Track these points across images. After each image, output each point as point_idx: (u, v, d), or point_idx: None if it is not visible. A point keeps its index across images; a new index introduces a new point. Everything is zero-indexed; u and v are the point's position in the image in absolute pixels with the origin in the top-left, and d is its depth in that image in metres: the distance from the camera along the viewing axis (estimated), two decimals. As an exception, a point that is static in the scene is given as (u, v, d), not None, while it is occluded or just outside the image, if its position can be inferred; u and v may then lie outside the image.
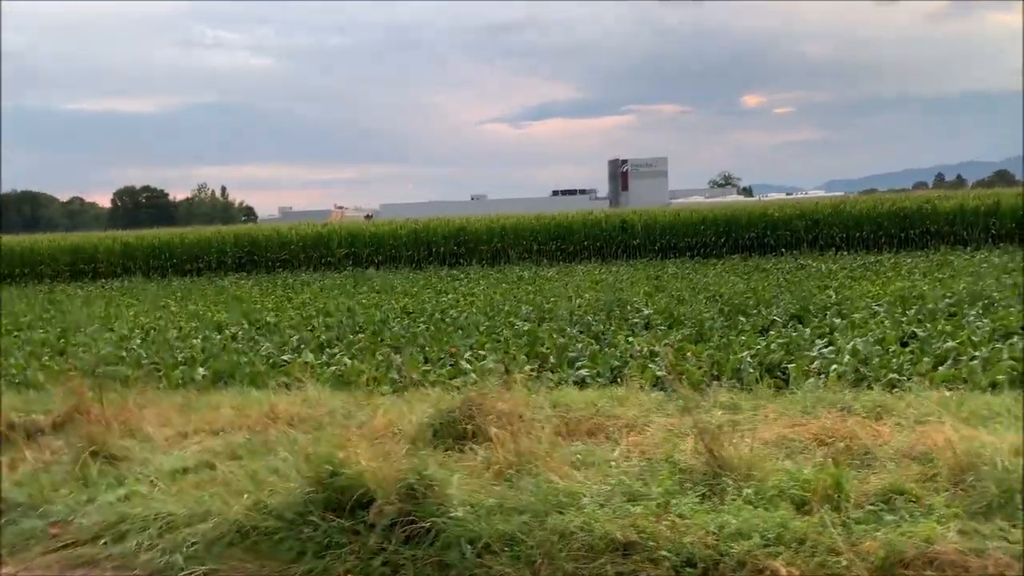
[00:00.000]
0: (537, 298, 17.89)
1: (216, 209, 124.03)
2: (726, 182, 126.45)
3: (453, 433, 5.74)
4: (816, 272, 21.87)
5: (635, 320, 13.84)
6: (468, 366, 9.83)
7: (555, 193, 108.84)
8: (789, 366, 9.61)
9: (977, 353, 9.54)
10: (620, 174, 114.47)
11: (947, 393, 7.78)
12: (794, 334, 11.71)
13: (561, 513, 4.20)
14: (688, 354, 10.43)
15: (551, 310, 15.46)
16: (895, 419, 6.54)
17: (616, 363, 10.09)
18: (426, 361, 10.76)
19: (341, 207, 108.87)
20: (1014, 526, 4.24)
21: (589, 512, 4.21)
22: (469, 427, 5.65)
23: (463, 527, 4.09)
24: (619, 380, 9.17)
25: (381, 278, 26.12)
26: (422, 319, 15.00)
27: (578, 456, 5.38)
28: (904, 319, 12.57)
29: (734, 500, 4.47)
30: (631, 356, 10.38)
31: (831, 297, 15.69)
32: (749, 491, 4.54)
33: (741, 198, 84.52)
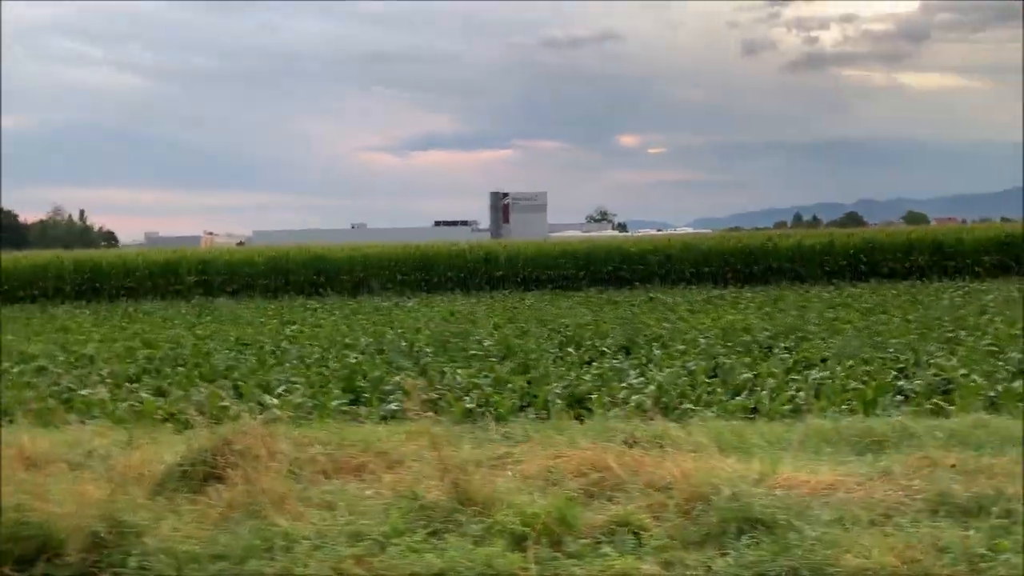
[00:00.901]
0: (383, 329, 17.61)
1: (73, 233, 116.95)
2: (602, 217, 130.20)
3: (202, 474, 5.41)
4: (662, 305, 22.62)
5: (474, 352, 13.81)
6: (274, 400, 9.44)
7: (437, 224, 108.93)
8: (607, 398, 9.76)
9: (769, 383, 10.01)
10: (502, 207, 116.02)
11: (734, 422, 8.11)
12: (617, 364, 11.98)
13: (267, 558, 3.98)
14: (508, 385, 10.46)
15: (391, 341, 15.24)
16: (669, 449, 6.71)
17: (435, 395, 9.96)
18: (240, 396, 10.29)
19: (211, 233, 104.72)
20: (723, 555, 4.34)
21: (297, 556, 4.01)
22: (217, 468, 5.35)
23: (153, 577, 3.80)
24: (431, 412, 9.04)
25: (231, 308, 25.10)
26: (251, 351, 14.43)
27: (328, 495, 5.17)
28: (723, 350, 13.09)
29: (462, 537, 4.38)
30: (448, 389, 10.29)
31: (665, 329, 16.20)
32: (478, 528, 4.46)
33: (615, 233, 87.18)
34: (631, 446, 6.29)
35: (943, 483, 5.30)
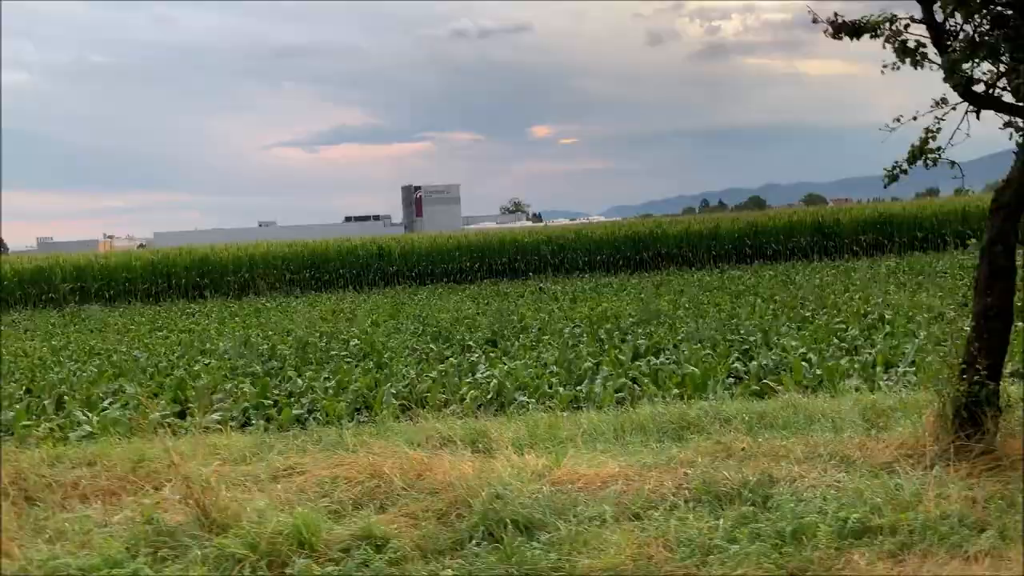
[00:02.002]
0: (251, 333, 16.98)
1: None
2: (516, 208, 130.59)
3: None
4: (551, 295, 22.62)
5: (335, 352, 13.42)
6: (88, 416, 8.86)
7: (348, 219, 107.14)
8: (442, 394, 9.55)
9: (604, 371, 10.01)
10: (415, 200, 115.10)
11: (558, 414, 8.02)
12: (474, 359, 11.81)
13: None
14: (351, 387, 10.14)
15: (252, 345, 14.68)
16: (470, 449, 6.55)
17: (268, 404, 9.56)
18: (59, 410, 9.65)
19: (111, 236, 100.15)
20: (461, 563, 4.17)
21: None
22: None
23: None
24: (250, 423, 8.66)
25: (103, 316, 23.87)
26: (97, 361, 13.65)
27: (67, 523, 4.77)
28: (584, 340, 13.08)
29: (184, 566, 4.07)
30: (286, 395, 9.91)
31: (539, 319, 16.12)
32: (207, 552, 4.16)
33: (530, 223, 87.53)
34: (417, 447, 6.09)
35: (716, 471, 5.29)
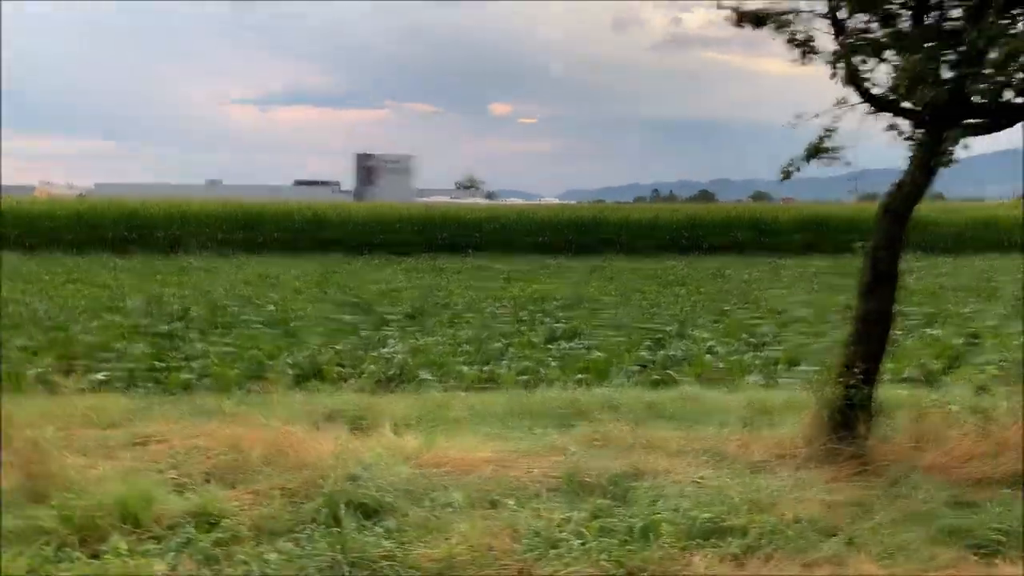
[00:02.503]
0: (166, 291, 16.41)
1: None
2: (471, 184, 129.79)
3: None
4: (486, 273, 22.42)
5: (246, 318, 13.02)
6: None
7: (298, 183, 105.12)
8: (341, 367, 9.30)
9: (511, 352, 9.91)
10: (366, 168, 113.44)
11: (448, 394, 7.86)
12: (388, 332, 11.58)
13: None
14: (249, 354, 9.82)
15: (163, 304, 14.19)
16: (353, 425, 6.35)
17: (158, 365, 9.18)
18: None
19: (48, 183, 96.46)
20: (295, 545, 3.97)
21: None
22: None
23: None
24: (135, 384, 8.30)
25: (16, 264, 22.85)
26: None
27: None
28: (505, 320, 12.94)
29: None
30: (184, 359, 9.54)
31: (466, 297, 15.91)
32: (18, 525, 3.87)
33: (485, 201, 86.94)
34: (293, 422, 5.85)
35: (586, 461, 5.18)
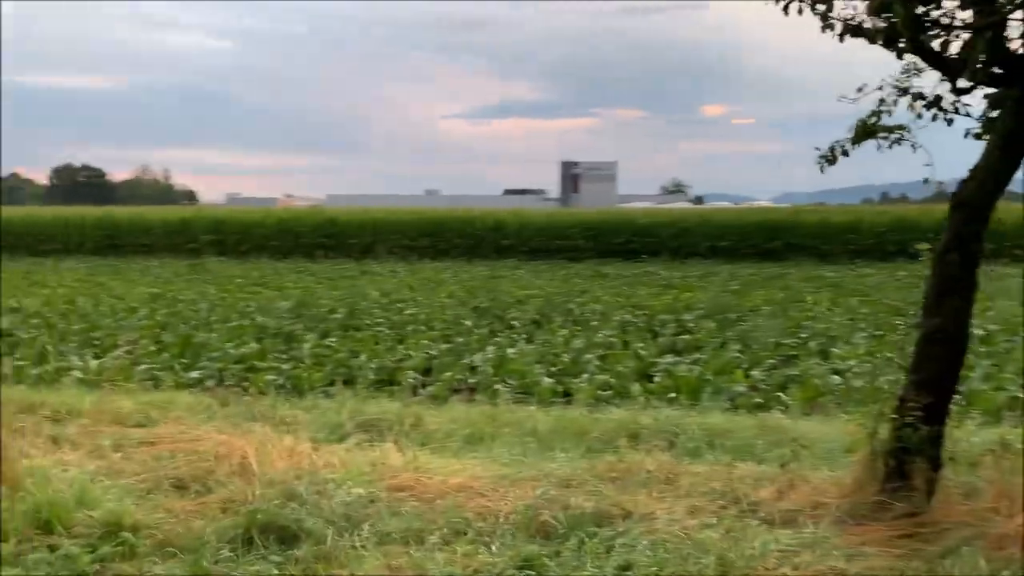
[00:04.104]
0: (333, 294, 17.25)
1: (157, 191, 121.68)
2: (677, 189, 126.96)
3: None
4: (648, 280, 21.52)
5: (380, 320, 13.31)
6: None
7: (507, 192, 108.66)
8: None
9: (615, 369, 9.16)
10: (571, 176, 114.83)
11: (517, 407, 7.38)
12: (491, 339, 11.29)
13: None
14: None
15: (308, 307, 14.89)
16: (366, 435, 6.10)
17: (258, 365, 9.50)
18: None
19: (290, 196, 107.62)
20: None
21: None
22: None
23: None
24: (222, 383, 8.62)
25: (223, 268, 25.32)
26: (154, 310, 14.29)
27: None
28: (629, 329, 12.17)
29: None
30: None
31: (599, 303, 15.26)
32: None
33: (690, 205, 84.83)
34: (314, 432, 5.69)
35: (565, 496, 4.51)
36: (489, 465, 5.25)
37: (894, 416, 4.31)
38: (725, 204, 76.94)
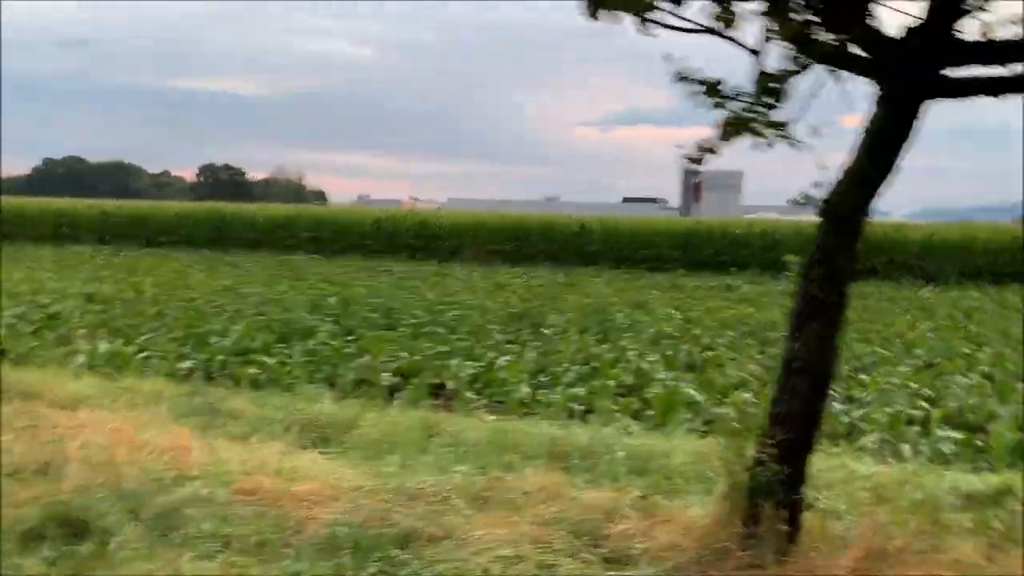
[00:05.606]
0: (399, 294, 17.43)
1: (290, 191, 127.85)
2: (806, 200, 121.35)
3: None
4: (721, 293, 20.62)
5: (412, 323, 13.30)
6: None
7: (626, 200, 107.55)
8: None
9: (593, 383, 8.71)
10: (693, 185, 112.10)
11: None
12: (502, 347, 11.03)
13: None
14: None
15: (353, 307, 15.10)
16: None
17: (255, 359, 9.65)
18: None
19: (415, 198, 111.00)
20: None
21: None
22: None
23: None
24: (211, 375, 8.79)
25: (308, 265, 26.18)
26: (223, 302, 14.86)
27: None
28: (669, 340, 11.61)
29: None
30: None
31: (650, 316, 14.68)
32: None
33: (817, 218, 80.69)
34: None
35: (396, 510, 4.25)
36: (365, 474, 5.05)
37: (754, 453, 3.79)
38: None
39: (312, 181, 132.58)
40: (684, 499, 4.70)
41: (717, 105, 3.63)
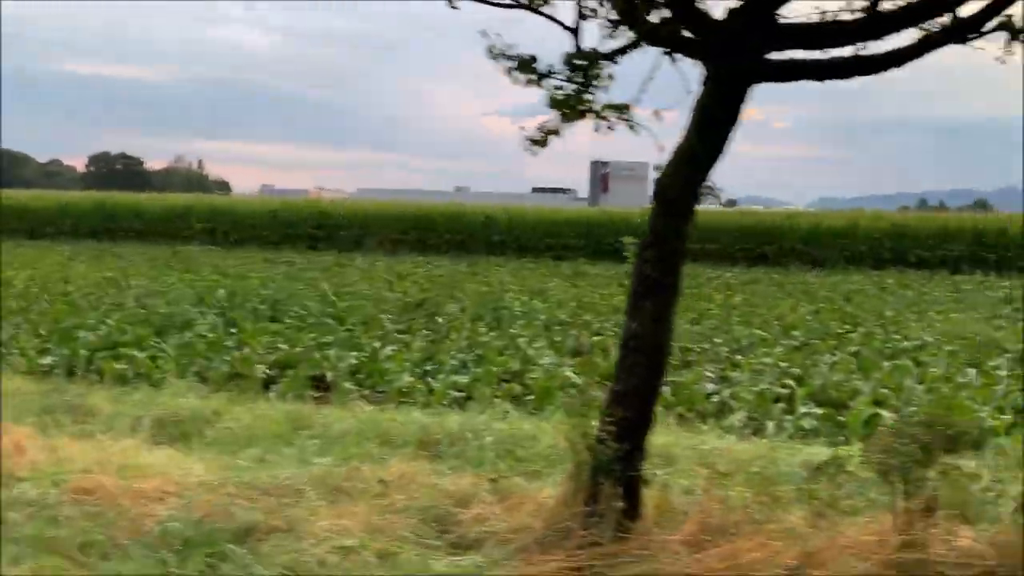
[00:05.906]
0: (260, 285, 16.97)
1: (191, 180, 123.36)
2: (708, 192, 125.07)
3: None
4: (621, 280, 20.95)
5: (299, 313, 12.98)
6: None
7: (535, 190, 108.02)
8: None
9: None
10: (601, 176, 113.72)
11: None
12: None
13: None
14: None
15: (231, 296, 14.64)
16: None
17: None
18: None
19: (321, 188, 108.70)
20: None
21: None
22: None
23: None
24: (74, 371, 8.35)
25: (203, 256, 25.27)
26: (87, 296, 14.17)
27: None
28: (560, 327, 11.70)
29: None
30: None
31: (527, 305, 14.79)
32: None
33: (722, 208, 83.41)
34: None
35: (236, 506, 4.11)
36: (216, 468, 4.87)
37: (596, 432, 3.82)
38: (757, 208, 75.74)
39: (215, 171, 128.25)
40: (543, 481, 4.71)
41: (531, 82, 3.61)
